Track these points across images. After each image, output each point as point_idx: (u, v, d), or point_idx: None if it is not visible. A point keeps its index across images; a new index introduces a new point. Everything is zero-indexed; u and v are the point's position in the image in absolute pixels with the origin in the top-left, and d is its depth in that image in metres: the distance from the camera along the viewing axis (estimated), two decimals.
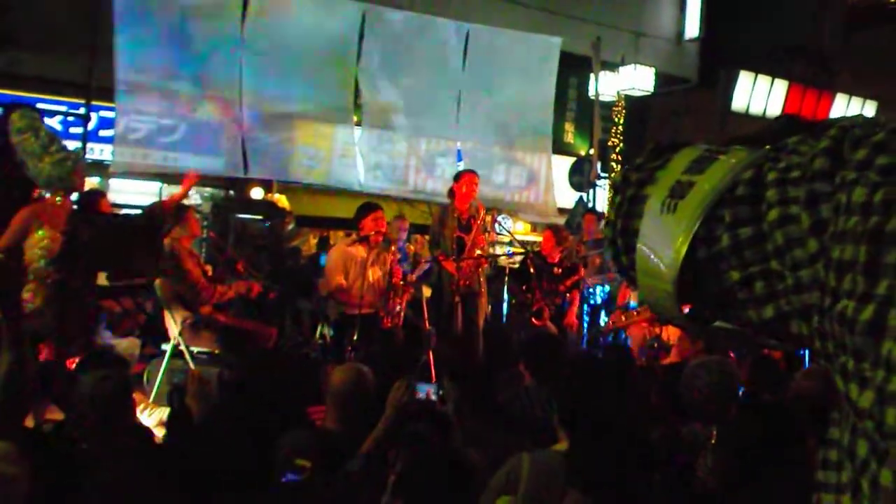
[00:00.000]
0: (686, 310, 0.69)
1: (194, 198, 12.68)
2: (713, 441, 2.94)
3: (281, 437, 3.03)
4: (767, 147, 0.65)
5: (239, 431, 2.90)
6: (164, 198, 5.62)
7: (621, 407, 2.90)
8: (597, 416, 2.61)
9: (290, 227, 8.78)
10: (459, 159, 9.27)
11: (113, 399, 2.69)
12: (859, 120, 0.59)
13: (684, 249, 0.64)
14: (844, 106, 16.43)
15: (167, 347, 5.22)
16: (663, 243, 0.66)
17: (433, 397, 3.20)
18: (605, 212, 0.75)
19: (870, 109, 16.52)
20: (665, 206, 0.67)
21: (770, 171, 0.61)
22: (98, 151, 10.87)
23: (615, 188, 0.75)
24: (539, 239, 9.01)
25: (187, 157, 8.10)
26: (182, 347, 5.13)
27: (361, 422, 3.12)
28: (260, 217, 8.99)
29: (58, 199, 4.42)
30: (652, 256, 0.67)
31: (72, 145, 10.92)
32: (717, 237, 0.63)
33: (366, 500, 2.45)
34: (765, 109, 15.51)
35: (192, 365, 5.03)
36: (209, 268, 5.57)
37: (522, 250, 6.77)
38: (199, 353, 5.17)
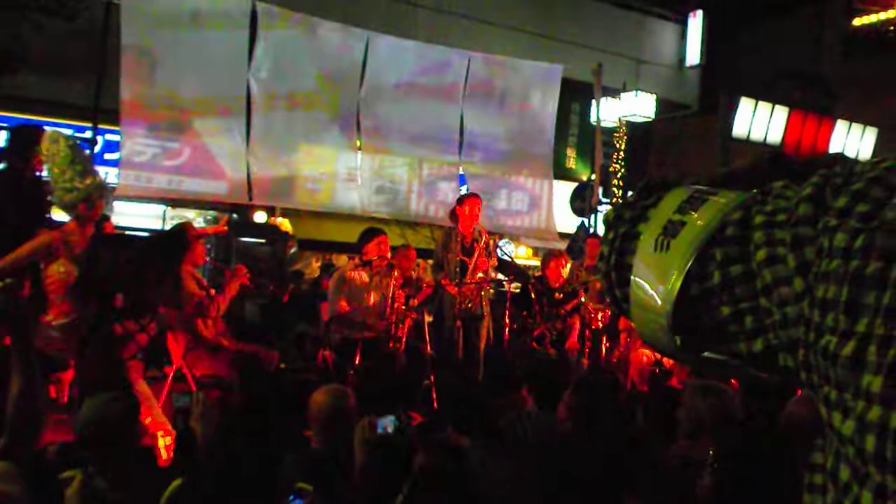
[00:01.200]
0: (678, 341, 0.73)
1: (197, 221, 12.77)
2: (711, 461, 2.97)
3: (283, 459, 3.06)
4: (755, 190, 0.70)
5: (245, 455, 2.92)
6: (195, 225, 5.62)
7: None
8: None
9: (293, 250, 8.85)
10: (462, 183, 9.34)
11: (121, 422, 2.71)
12: (839, 168, 0.64)
13: (678, 285, 0.69)
14: (845, 132, 16.52)
15: (171, 370, 5.23)
16: (658, 279, 0.70)
17: (390, 429, 3.22)
18: (601, 247, 0.79)
19: (870, 136, 16.60)
20: (658, 244, 0.71)
21: (758, 213, 0.66)
22: (103, 174, 10.93)
23: (608, 224, 0.80)
24: (538, 264, 9.04)
25: (192, 181, 8.16)
26: (186, 371, 5.15)
27: (344, 442, 3.14)
28: (263, 241, 9.05)
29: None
30: (647, 290, 0.71)
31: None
32: (708, 274, 0.68)
33: None
34: (765, 135, 15.59)
35: (195, 388, 5.04)
36: (213, 291, 5.60)
37: (521, 275, 6.78)
38: (202, 376, 5.18)
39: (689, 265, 0.68)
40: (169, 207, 12.83)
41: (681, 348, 0.73)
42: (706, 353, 0.73)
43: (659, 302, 0.70)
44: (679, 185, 0.78)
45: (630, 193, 0.81)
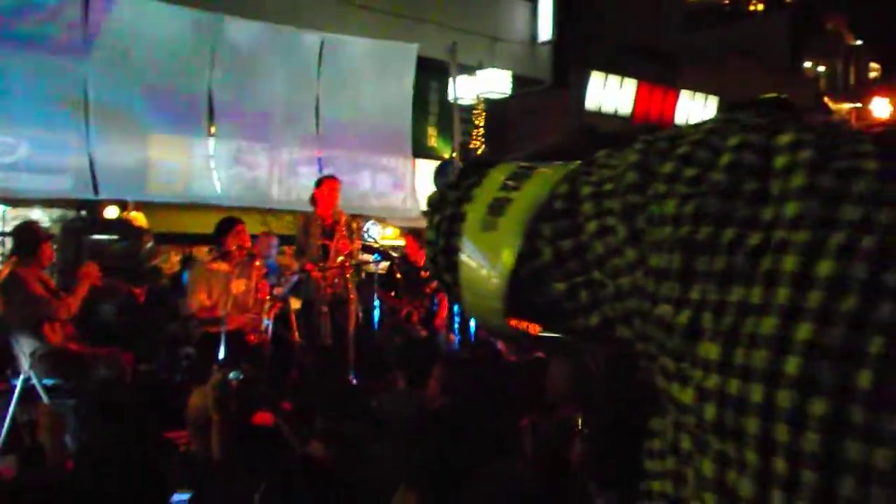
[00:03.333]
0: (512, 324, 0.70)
1: (43, 221, 11.97)
2: (580, 427, 3.05)
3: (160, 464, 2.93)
4: (579, 162, 0.68)
5: (109, 463, 2.77)
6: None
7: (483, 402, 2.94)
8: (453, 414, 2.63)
9: (149, 245, 8.43)
10: (323, 167, 9.20)
11: None
12: (662, 133, 0.62)
13: (510, 266, 0.66)
14: (689, 102, 17.43)
15: (17, 382, 4.89)
16: (488, 261, 0.67)
17: (234, 382, 3.21)
18: (427, 232, 0.73)
19: (712, 104, 17.60)
20: (485, 225, 0.68)
21: (584, 185, 0.63)
22: None
23: (433, 207, 0.76)
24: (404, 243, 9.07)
25: (31, 177, 7.67)
26: (34, 381, 4.83)
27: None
28: (115, 237, 8.58)
29: None
30: (478, 273, 0.68)
31: None
32: (538, 251, 0.65)
33: None
34: (616, 108, 16.24)
35: (45, 399, 4.74)
36: (63, 294, 5.25)
37: (385, 256, 6.77)
38: (53, 385, 4.88)
39: (519, 243, 0.65)
40: (9, 208, 11.97)
41: (513, 332, 0.70)
42: (541, 333, 0.71)
43: (492, 284, 0.67)
44: (502, 162, 0.75)
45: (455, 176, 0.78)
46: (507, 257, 0.65)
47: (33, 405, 4.66)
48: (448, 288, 0.74)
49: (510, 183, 0.69)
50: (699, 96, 17.65)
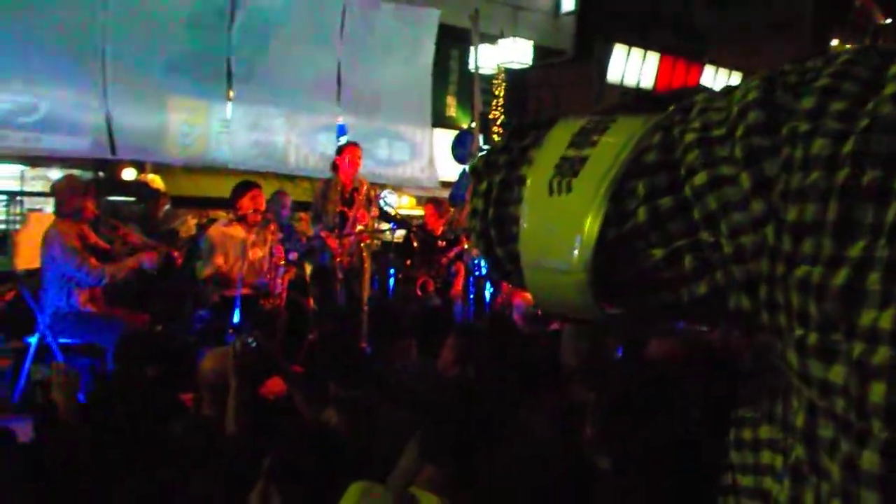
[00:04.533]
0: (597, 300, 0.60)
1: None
2: (593, 407, 3.01)
3: (168, 425, 2.93)
4: (671, 108, 0.59)
5: (115, 420, 2.78)
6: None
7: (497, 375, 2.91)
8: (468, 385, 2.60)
9: (166, 208, 8.43)
10: (342, 134, 9.13)
11: None
12: (787, 66, 0.53)
13: (596, 230, 0.57)
14: (713, 77, 17.18)
15: (32, 340, 4.92)
16: (563, 229, 0.58)
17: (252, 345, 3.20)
18: (470, 202, 0.61)
19: (736, 80, 17.28)
20: (555, 187, 0.59)
21: (685, 132, 0.54)
22: None
23: (479, 174, 0.67)
24: (423, 213, 9.03)
25: (50, 137, 7.63)
26: (49, 340, 4.85)
27: None
28: (133, 199, 8.59)
29: None
30: (548, 245, 0.59)
31: None
32: (628, 213, 0.56)
33: (242, 482, 2.37)
34: (638, 81, 16.03)
35: (58, 357, 4.76)
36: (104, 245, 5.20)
37: (402, 225, 6.74)
38: (69, 344, 4.90)
39: (605, 206, 0.56)
40: (28, 167, 12.01)
41: (601, 311, 0.60)
42: (612, 311, 0.61)
43: (571, 256, 0.58)
44: (558, 120, 0.66)
45: (501, 139, 0.69)
46: (590, 223, 0.56)
47: (48, 364, 4.68)
48: (500, 265, 0.64)
49: (582, 139, 0.60)
50: (723, 72, 17.39)
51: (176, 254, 5.47)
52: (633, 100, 0.72)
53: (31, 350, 4.88)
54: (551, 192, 0.59)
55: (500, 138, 0.68)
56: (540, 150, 0.63)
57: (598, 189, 0.56)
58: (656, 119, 0.58)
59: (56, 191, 5.21)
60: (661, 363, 2.72)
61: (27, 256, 5.05)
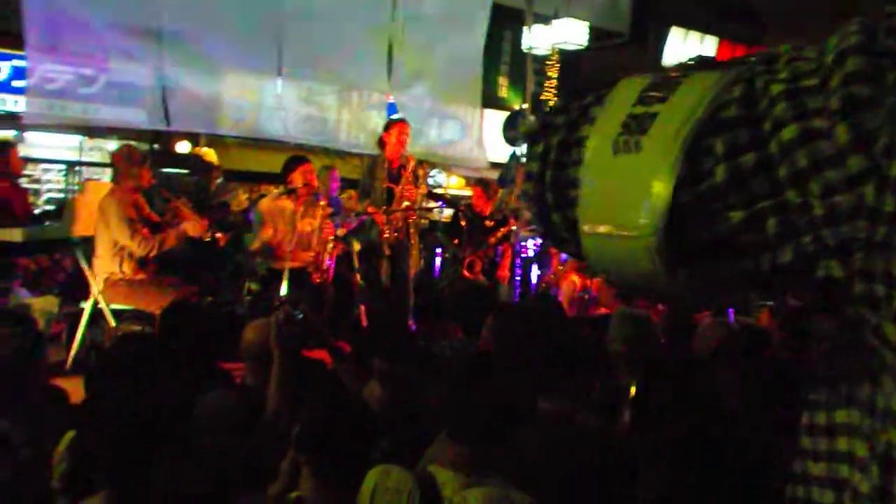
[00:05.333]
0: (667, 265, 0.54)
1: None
2: (631, 395, 2.96)
3: (204, 394, 2.96)
4: (752, 60, 0.54)
5: (155, 387, 2.82)
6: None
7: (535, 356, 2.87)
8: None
9: (218, 181, 8.54)
10: (392, 112, 9.13)
11: (19, 361, 2.56)
12: (891, 8, 0.47)
13: (668, 191, 0.51)
14: None
15: (86, 305, 5.03)
16: (630, 190, 0.52)
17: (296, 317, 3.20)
18: (524, 165, 0.55)
19: None
20: (621, 146, 0.53)
21: (771, 83, 0.49)
22: (12, 103, 10.36)
23: (534, 136, 0.62)
24: (471, 193, 9.00)
25: (108, 109, 7.75)
26: (102, 305, 4.95)
27: None
28: (186, 171, 8.72)
29: None
30: (614, 209, 0.53)
31: None
32: (704, 172, 0.51)
33: (280, 453, 2.39)
34: None
35: (112, 323, 4.86)
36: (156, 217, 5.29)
37: (451, 204, 6.71)
38: (121, 310, 5.00)
39: (678, 165, 0.50)
40: (86, 138, 12.27)
41: (672, 276, 0.55)
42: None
43: (638, 220, 0.52)
44: (624, 78, 0.61)
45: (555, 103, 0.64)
46: (662, 183, 0.50)
47: (101, 328, 4.79)
48: (556, 232, 0.59)
49: (652, 94, 0.55)
50: None
51: (220, 235, 5.52)
52: (697, 64, 0.67)
53: (86, 315, 5.00)
54: (616, 151, 0.55)
55: (558, 99, 0.62)
56: (603, 109, 0.58)
57: (670, 147, 0.52)
58: (736, 71, 0.53)
59: (114, 160, 5.30)
60: (703, 350, 2.67)
61: (84, 223, 5.16)
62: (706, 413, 2.33)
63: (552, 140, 0.60)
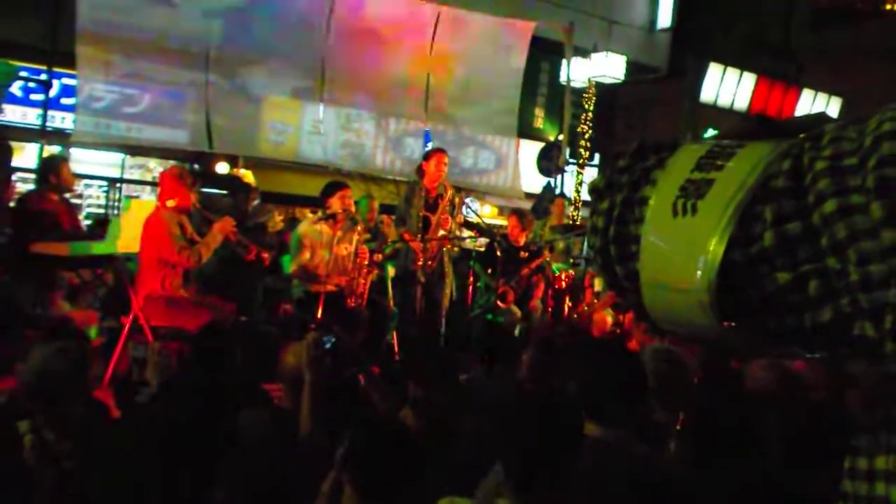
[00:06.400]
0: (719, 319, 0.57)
1: (156, 170, 12.50)
2: (679, 427, 2.96)
3: (240, 413, 3.00)
4: (801, 136, 0.57)
5: (193, 405, 2.86)
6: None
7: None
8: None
9: (255, 202, 8.66)
10: (428, 140, 9.23)
11: (67, 373, 2.62)
12: None
13: (721, 252, 0.55)
14: (810, 102, 16.64)
15: (127, 321, 5.12)
16: (687, 249, 0.56)
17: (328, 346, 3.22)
18: (589, 218, 0.59)
19: (835, 106, 16.75)
20: (679, 209, 0.58)
21: (816, 160, 0.53)
22: (60, 120, 10.64)
23: (599, 193, 0.67)
24: (504, 223, 9.03)
25: (152, 129, 7.96)
26: (143, 322, 5.04)
27: None
28: (224, 192, 8.87)
29: None
30: (671, 265, 0.56)
31: (32, 112, 10.77)
32: (754, 236, 0.54)
33: (315, 475, 2.42)
34: (732, 102, 15.65)
35: (150, 339, 4.95)
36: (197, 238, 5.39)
37: (487, 234, 6.74)
38: (160, 327, 5.08)
39: (730, 229, 0.54)
40: (128, 156, 12.54)
41: (723, 328, 0.58)
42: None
43: (696, 275, 0.56)
44: (678, 143, 0.65)
45: (619, 160, 0.68)
46: (716, 245, 0.55)
47: (144, 344, 4.86)
48: (617, 283, 0.64)
49: (708, 162, 0.59)
50: (822, 96, 16.81)
51: (265, 255, 5.60)
52: (757, 124, 0.71)
53: (126, 330, 5.09)
54: (675, 213, 0.59)
55: (622, 159, 0.68)
56: (664, 172, 0.63)
57: (724, 212, 0.56)
58: (786, 146, 0.58)
59: (163, 179, 5.43)
60: (753, 392, 2.67)
61: (127, 241, 5.28)
62: (754, 453, 2.33)
63: (616, 198, 0.65)
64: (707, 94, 15.38)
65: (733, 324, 0.55)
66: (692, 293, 0.54)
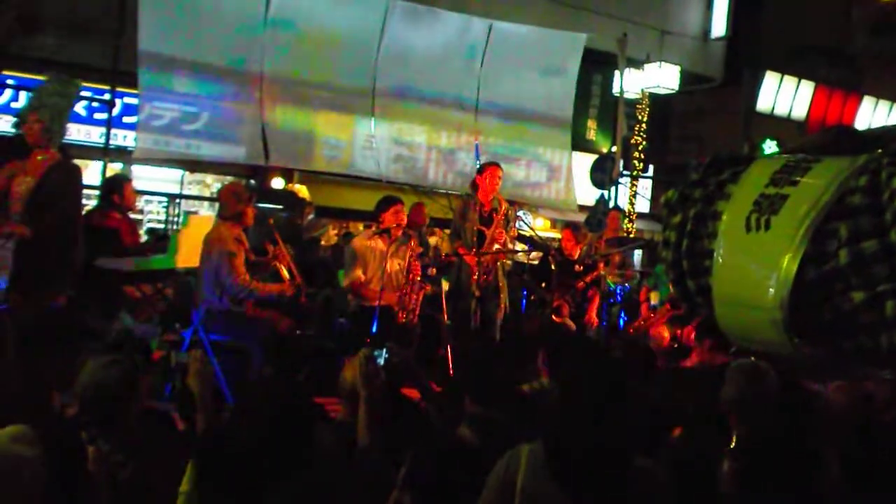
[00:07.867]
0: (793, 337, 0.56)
1: (214, 186, 12.75)
2: (732, 446, 2.89)
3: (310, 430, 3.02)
4: (879, 151, 0.56)
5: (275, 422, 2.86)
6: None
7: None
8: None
9: (310, 217, 8.78)
10: (478, 154, 9.24)
11: (120, 385, 2.66)
12: None
13: (794, 269, 0.54)
14: (871, 109, 16.23)
15: (187, 334, 5.21)
16: (760, 265, 0.56)
17: (381, 361, 3.20)
18: (661, 233, 0.58)
19: None
20: (753, 224, 0.57)
21: (894, 176, 0.52)
22: (122, 137, 10.94)
23: (672, 207, 0.66)
24: (558, 236, 8.97)
25: (209, 145, 8.13)
26: (201, 335, 5.12)
27: None
28: (280, 207, 9.00)
29: (39, 157, 4.63)
30: (744, 281, 0.56)
31: (96, 131, 11.10)
32: (828, 254, 0.53)
33: (375, 491, 2.42)
34: (790, 111, 15.34)
35: (208, 353, 5.01)
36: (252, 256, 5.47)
37: (540, 248, 6.71)
38: (218, 340, 5.15)
39: (804, 246, 0.53)
40: (187, 172, 12.81)
41: (796, 345, 0.57)
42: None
43: (769, 292, 0.55)
44: (753, 156, 0.64)
45: (693, 172, 0.67)
46: (789, 261, 0.54)
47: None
48: (689, 297, 0.63)
49: (782, 177, 0.59)
50: (883, 104, 16.37)
51: (300, 282, 5.60)
52: (835, 136, 0.70)
53: (185, 343, 5.17)
54: (748, 228, 0.58)
55: (695, 172, 0.67)
56: (738, 187, 0.62)
57: (798, 228, 0.55)
58: (863, 161, 0.56)
59: (221, 195, 5.52)
60: (827, 414, 2.59)
61: (186, 255, 5.39)
62: (814, 475, 2.26)
63: (689, 212, 0.64)
64: (764, 103, 15.10)
65: (806, 342, 0.54)
66: (765, 310, 0.54)
